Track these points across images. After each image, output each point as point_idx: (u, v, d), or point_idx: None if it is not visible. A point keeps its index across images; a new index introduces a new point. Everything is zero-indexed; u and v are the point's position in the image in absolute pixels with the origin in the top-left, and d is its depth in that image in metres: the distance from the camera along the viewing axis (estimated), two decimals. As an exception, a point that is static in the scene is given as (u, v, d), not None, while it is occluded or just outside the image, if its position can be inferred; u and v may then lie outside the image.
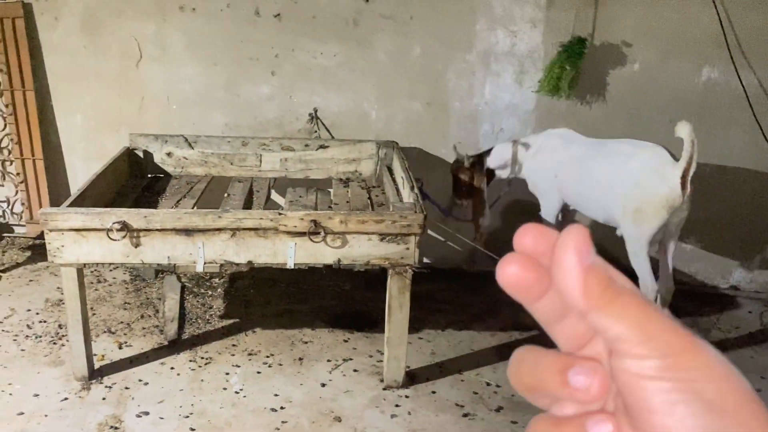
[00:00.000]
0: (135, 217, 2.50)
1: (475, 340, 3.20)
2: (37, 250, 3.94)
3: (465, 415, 2.63)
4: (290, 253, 2.59)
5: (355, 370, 2.91)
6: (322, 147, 3.62)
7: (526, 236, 0.36)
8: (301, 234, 2.55)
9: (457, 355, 3.07)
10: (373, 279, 3.55)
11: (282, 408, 2.62)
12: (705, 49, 3.53)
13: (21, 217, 4.03)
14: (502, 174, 3.41)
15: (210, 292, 3.56)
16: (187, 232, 2.52)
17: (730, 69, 3.49)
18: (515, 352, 0.38)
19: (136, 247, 2.53)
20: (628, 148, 2.92)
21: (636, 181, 2.79)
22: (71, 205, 2.60)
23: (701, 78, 3.60)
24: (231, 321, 3.28)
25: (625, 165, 2.84)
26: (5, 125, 3.88)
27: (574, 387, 0.34)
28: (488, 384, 2.85)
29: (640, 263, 2.87)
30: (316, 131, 3.79)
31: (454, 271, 3.94)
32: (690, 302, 3.59)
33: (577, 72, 3.43)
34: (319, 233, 2.54)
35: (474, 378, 2.89)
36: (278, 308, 3.43)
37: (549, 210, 3.26)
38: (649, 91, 3.60)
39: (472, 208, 3.48)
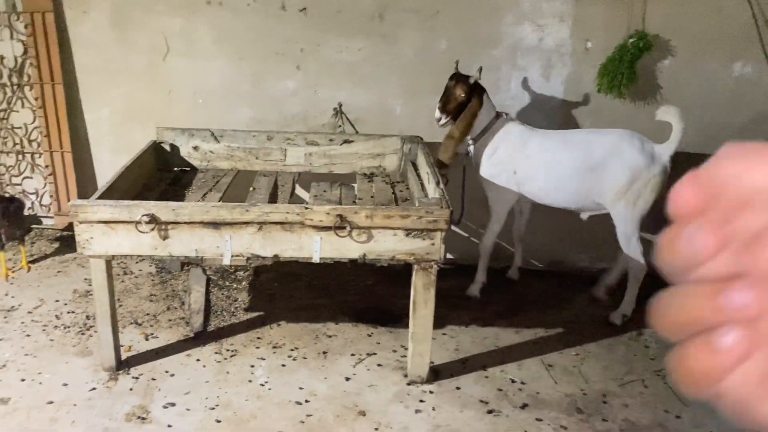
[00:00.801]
0: (163, 210, 2.52)
1: (499, 337, 3.19)
2: (65, 242, 4.00)
3: (489, 412, 2.62)
4: (316, 247, 2.59)
5: (379, 365, 2.91)
6: (346, 142, 3.62)
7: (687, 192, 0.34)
8: (327, 228, 2.55)
9: (482, 352, 3.06)
10: (396, 274, 3.55)
11: (307, 401, 2.62)
12: (737, 45, 3.47)
13: (49, 209, 4.09)
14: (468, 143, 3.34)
15: (235, 285, 3.58)
16: (215, 225, 2.54)
17: (762, 65, 3.42)
18: (658, 298, 0.35)
19: (164, 239, 2.55)
20: (599, 135, 3.14)
21: (629, 165, 3.00)
22: (100, 197, 2.62)
23: (733, 74, 3.54)
24: (255, 314, 3.30)
25: (611, 150, 3.03)
26: (35, 118, 3.93)
27: (732, 307, 0.32)
28: (513, 381, 2.84)
29: (633, 245, 3.12)
30: (340, 126, 3.79)
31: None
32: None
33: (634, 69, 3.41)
34: (344, 228, 2.55)
35: (499, 374, 2.88)
36: (302, 302, 3.44)
37: (504, 206, 3.37)
38: (679, 87, 3.55)
39: (449, 133, 3.32)
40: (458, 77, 3.23)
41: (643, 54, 3.41)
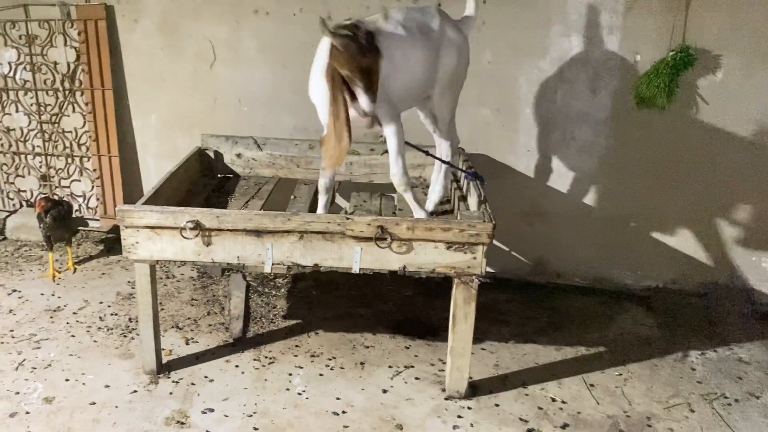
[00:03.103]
0: (207, 216, 2.54)
1: (539, 354, 3.13)
2: (110, 244, 4.09)
3: (529, 431, 2.56)
4: (356, 257, 2.58)
5: (416, 378, 2.88)
6: (387, 152, 3.60)
7: None
8: (368, 239, 2.54)
9: (521, 368, 3.00)
10: (434, 286, 3.52)
11: (344, 412, 2.61)
12: (794, 59, 3.35)
13: (95, 212, 4.18)
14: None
15: (274, 292, 3.60)
16: (257, 233, 2.55)
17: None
18: None
19: (207, 246, 2.58)
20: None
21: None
22: (146, 203, 2.67)
23: (789, 89, 3.42)
24: (294, 321, 3.30)
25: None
26: (84, 123, 4.03)
27: None
28: (553, 399, 2.77)
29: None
30: (381, 135, 3.78)
31: (518, 281, 3.87)
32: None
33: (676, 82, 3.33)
34: (385, 239, 2.53)
35: (539, 392, 2.82)
36: (340, 311, 3.44)
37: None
38: (733, 101, 3.44)
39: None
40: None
41: (687, 68, 3.32)
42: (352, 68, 2.36)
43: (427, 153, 3.16)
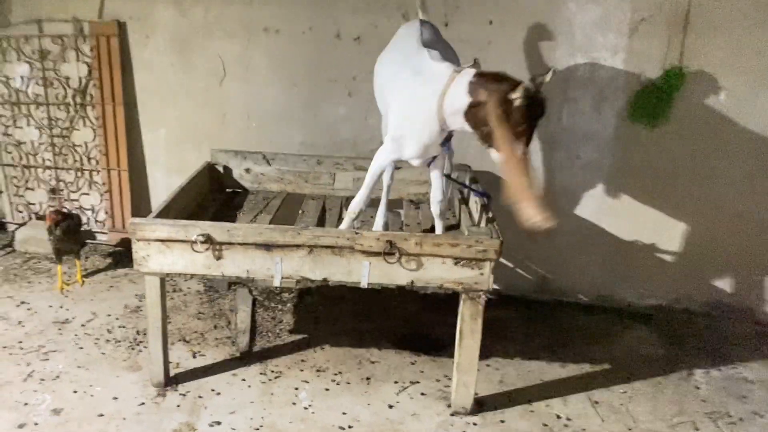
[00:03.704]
0: (218, 230, 2.57)
1: (545, 371, 3.14)
2: (117, 258, 4.11)
3: (535, 447, 2.57)
4: (364, 272, 2.61)
5: (422, 394, 2.89)
6: (394, 168, 3.64)
7: None
8: (376, 254, 2.57)
9: (527, 385, 3.01)
10: (440, 301, 3.54)
11: (350, 427, 2.62)
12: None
13: (104, 225, 4.21)
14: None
15: (280, 307, 3.62)
16: (267, 247, 2.58)
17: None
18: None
19: (217, 259, 2.61)
20: None
21: None
22: (157, 216, 2.70)
23: (792, 110, 3.46)
24: (300, 336, 3.32)
25: None
26: (95, 137, 4.08)
27: None
28: (558, 417, 2.78)
29: None
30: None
31: (523, 299, 3.89)
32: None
33: (670, 102, 3.39)
34: (394, 254, 2.56)
35: (544, 409, 2.83)
36: (346, 326, 3.46)
37: None
38: (735, 124, 3.48)
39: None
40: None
41: (677, 89, 3.40)
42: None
43: (464, 185, 3.27)
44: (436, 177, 2.95)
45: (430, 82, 2.55)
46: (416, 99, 2.59)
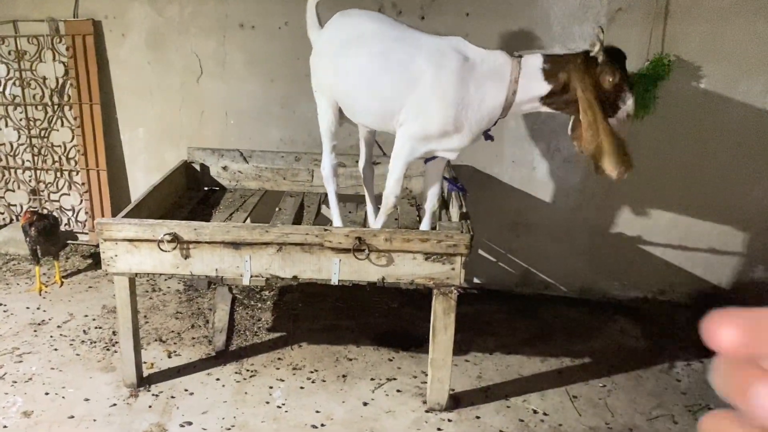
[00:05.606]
0: (185, 229, 2.55)
1: (524, 365, 3.11)
2: (98, 258, 4.06)
3: (509, 443, 2.55)
4: (334, 269, 2.58)
5: (398, 391, 2.87)
6: (373, 163, 3.61)
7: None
8: (346, 251, 2.55)
9: (505, 380, 2.98)
10: (420, 297, 3.51)
11: (322, 425, 2.60)
12: (777, 69, 3.35)
13: (84, 225, 4.19)
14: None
15: (259, 305, 3.60)
16: (235, 245, 2.56)
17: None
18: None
19: (185, 258, 2.58)
20: None
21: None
22: (127, 215, 2.67)
23: (772, 99, 3.42)
24: (278, 334, 3.30)
25: None
26: (73, 137, 4.05)
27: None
28: (535, 412, 2.76)
29: None
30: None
31: (505, 292, 3.86)
32: None
33: (655, 92, 3.35)
34: (363, 250, 2.53)
35: (521, 405, 2.80)
36: (325, 323, 3.43)
37: None
38: (716, 113, 3.44)
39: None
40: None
41: (663, 78, 3.34)
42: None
43: (444, 178, 3.14)
44: (436, 172, 2.89)
45: (488, 72, 2.47)
46: (468, 90, 2.46)
